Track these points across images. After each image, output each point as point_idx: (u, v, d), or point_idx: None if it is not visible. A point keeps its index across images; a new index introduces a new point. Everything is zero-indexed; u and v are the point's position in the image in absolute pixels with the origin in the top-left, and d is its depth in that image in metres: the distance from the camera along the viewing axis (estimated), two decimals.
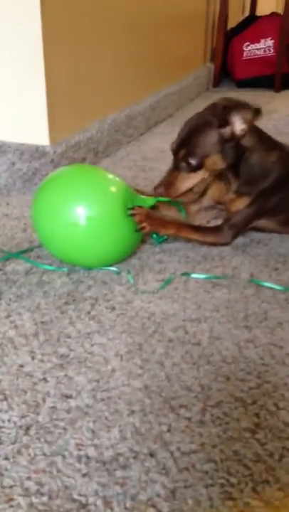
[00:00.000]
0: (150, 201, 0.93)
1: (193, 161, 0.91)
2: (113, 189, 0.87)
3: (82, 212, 0.83)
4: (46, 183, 0.89)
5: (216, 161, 0.93)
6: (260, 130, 0.99)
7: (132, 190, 0.92)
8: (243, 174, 0.98)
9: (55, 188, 0.88)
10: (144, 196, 0.94)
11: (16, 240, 1.03)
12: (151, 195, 1.02)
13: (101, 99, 1.51)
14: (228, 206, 1.02)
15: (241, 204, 0.99)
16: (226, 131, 0.90)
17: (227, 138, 0.91)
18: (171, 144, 0.95)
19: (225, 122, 0.90)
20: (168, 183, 0.93)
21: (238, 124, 0.90)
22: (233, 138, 0.91)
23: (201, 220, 1.09)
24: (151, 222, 0.90)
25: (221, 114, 0.90)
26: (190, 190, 0.95)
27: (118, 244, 0.90)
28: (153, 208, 0.97)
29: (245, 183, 0.99)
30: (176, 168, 0.94)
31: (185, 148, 0.92)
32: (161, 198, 0.95)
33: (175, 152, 0.94)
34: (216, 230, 1.01)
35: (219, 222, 1.04)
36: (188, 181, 0.93)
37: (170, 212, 1.05)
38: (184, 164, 0.92)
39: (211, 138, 0.91)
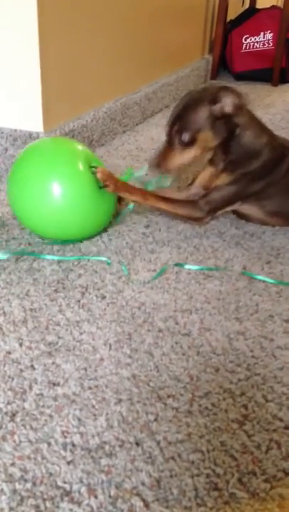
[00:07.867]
0: (124, 178, 0.96)
1: (185, 136, 0.93)
2: (83, 162, 0.91)
3: (55, 187, 0.87)
4: (20, 157, 0.93)
5: (208, 137, 0.95)
6: (252, 113, 1.00)
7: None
8: (233, 152, 0.98)
9: (28, 162, 0.92)
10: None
11: (7, 227, 1.02)
12: None
13: (97, 87, 1.49)
14: (208, 183, 1.03)
15: (221, 180, 1.00)
16: (216, 108, 0.92)
17: (217, 115, 0.93)
18: (167, 122, 0.97)
19: (215, 99, 0.92)
20: (161, 157, 0.95)
21: (227, 103, 0.92)
22: (223, 116, 0.93)
23: None
24: (116, 183, 0.92)
25: (211, 92, 0.93)
26: (181, 169, 0.97)
27: (91, 217, 0.93)
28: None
29: (231, 162, 0.99)
30: (169, 144, 0.95)
31: (178, 123, 0.93)
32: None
33: (169, 128, 0.95)
34: (190, 203, 1.01)
35: None
36: (181, 157, 0.95)
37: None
38: (177, 140, 0.94)
39: (202, 114, 0.93)
